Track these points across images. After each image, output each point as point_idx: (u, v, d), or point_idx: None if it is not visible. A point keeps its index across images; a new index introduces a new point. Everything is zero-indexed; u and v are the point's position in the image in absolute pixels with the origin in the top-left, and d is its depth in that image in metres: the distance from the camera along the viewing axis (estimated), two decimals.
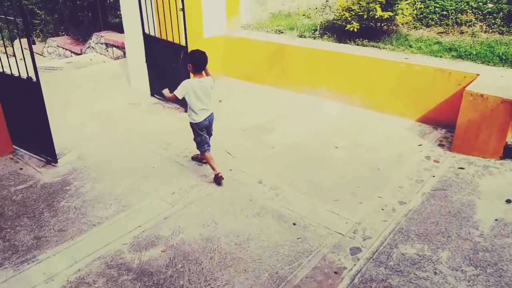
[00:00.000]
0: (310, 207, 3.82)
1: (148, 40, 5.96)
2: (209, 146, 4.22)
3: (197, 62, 4.01)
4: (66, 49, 12.06)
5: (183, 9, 5.16)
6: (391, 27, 6.45)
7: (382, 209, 3.77)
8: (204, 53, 4.06)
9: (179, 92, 3.96)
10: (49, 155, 4.51)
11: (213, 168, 4.17)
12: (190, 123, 4.15)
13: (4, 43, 4.39)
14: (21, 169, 4.44)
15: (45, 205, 3.85)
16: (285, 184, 4.17)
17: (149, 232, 3.49)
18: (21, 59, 4.27)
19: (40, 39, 13.79)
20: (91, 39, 11.14)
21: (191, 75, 4.15)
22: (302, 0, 8.68)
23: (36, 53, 13.58)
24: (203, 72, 4.07)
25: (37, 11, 12.88)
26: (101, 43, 10.39)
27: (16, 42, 12.26)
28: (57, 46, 12.41)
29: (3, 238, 3.42)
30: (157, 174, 4.38)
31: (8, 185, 4.15)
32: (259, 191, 4.06)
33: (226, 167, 4.46)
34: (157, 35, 5.86)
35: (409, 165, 4.49)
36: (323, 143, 4.98)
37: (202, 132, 4.14)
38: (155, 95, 6.37)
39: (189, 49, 6.00)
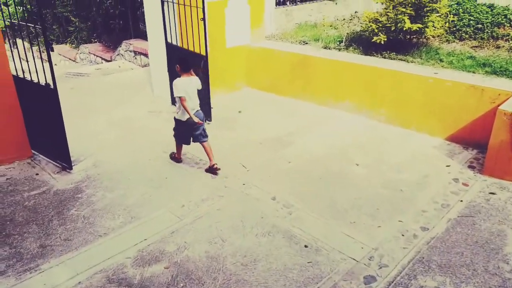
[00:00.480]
0: (324, 228, 3.61)
1: (170, 49, 5.95)
2: (190, 141, 4.52)
3: (184, 63, 4.34)
4: (97, 56, 12.38)
5: (204, 19, 5.11)
6: (420, 40, 6.16)
7: (402, 235, 3.51)
8: (188, 56, 4.56)
9: (180, 93, 4.20)
10: (64, 162, 4.52)
11: (178, 152, 4.66)
12: (174, 118, 4.45)
13: (24, 48, 4.45)
14: (37, 174, 4.47)
15: (55, 212, 3.83)
16: (300, 202, 3.97)
17: (154, 247, 3.38)
18: (46, 61, 4.30)
19: (74, 45, 14.26)
20: (120, 46, 11.37)
21: (180, 74, 4.39)
22: (329, 11, 8.51)
23: (69, 59, 14.04)
24: (191, 72, 4.37)
25: (72, 18, 13.33)
26: (130, 51, 10.58)
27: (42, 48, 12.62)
28: (89, 52, 12.77)
29: (10, 245, 3.40)
30: (170, 185, 4.29)
31: (22, 190, 4.17)
32: (271, 208, 3.88)
33: (239, 181, 4.32)
34: (179, 44, 5.83)
35: (435, 187, 4.19)
36: (343, 159, 4.76)
37: (184, 128, 4.40)
38: (175, 104, 6.33)
39: (209, 59, 6.02)
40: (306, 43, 6.77)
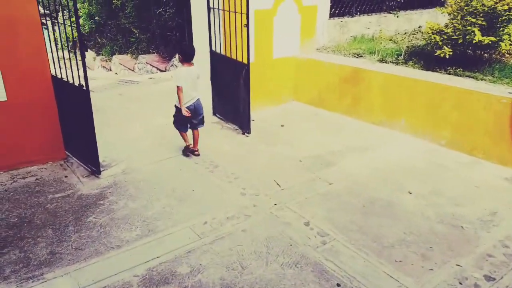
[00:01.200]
0: (363, 265, 3.05)
1: (214, 57, 5.73)
2: (187, 128, 4.71)
3: (185, 53, 4.49)
4: (153, 66, 12.69)
5: (247, 26, 4.81)
6: (493, 55, 5.39)
7: (460, 283, 2.86)
8: (191, 45, 4.97)
9: (180, 82, 4.40)
10: (93, 166, 4.38)
11: (185, 140, 4.78)
12: (175, 105, 4.64)
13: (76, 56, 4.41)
14: (66, 177, 4.37)
15: (74, 218, 3.64)
16: (337, 231, 3.44)
17: (165, 266, 3.03)
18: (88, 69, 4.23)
19: (134, 56, 14.83)
20: (175, 57, 11.53)
21: (183, 64, 4.54)
22: (389, 25, 7.91)
23: (129, 68, 14.58)
24: (191, 63, 4.52)
25: (133, 29, 13.86)
26: None
27: (121, 57, 13.21)
28: (146, 62, 13.14)
29: (21, 248, 3.24)
30: (195, 198, 3.96)
31: (48, 192, 4.06)
32: (303, 235, 3.39)
33: (271, 200, 3.89)
34: (222, 53, 5.59)
35: (505, 227, 3.46)
36: (394, 186, 4.15)
37: (182, 115, 4.53)
38: (216, 114, 6.09)
39: (254, 69, 5.71)
40: (360, 56, 6.25)
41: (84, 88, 3.97)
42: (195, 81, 4.51)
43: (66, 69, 4.37)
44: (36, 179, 4.31)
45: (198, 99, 4.60)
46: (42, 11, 4.42)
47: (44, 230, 3.47)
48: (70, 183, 4.24)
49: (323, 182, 4.25)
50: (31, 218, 3.63)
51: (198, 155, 4.78)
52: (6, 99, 4.18)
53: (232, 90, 5.44)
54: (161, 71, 12.15)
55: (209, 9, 5.53)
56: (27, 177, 4.33)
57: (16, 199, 3.93)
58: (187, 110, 4.49)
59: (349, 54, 6.38)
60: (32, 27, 4.11)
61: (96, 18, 16.91)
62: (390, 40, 7.15)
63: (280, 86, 6.48)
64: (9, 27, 3.99)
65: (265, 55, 6.09)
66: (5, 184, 4.19)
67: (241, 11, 4.86)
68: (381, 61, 5.95)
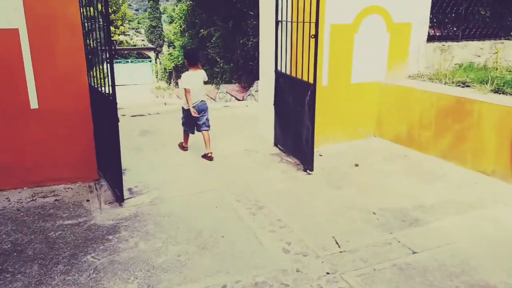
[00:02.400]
0: None
1: (278, 77, 4.88)
2: (194, 130, 4.91)
3: (191, 57, 4.80)
4: (232, 95, 12.39)
5: (315, 36, 3.89)
6: None
7: None
8: (196, 49, 5.43)
9: (188, 85, 4.60)
10: (118, 191, 3.71)
11: (185, 141, 5.07)
12: (182, 107, 4.89)
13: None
14: (87, 201, 3.77)
15: (70, 253, 2.93)
16: None
17: None
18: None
19: (217, 86, 14.84)
20: (252, 86, 11.07)
21: (189, 68, 4.75)
22: (507, 53, 6.34)
23: (211, 98, 14.56)
24: (198, 66, 4.78)
25: (217, 59, 13.89)
26: (257, 90, 10.09)
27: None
28: (226, 92, 12.92)
29: None
30: (221, 249, 3.01)
31: (60, 217, 3.46)
32: None
33: (322, 266, 2.76)
34: (288, 73, 4.72)
35: None
36: (509, 268, 2.73)
37: (189, 117, 4.78)
38: (278, 145, 5.16)
39: (328, 94, 4.78)
40: (467, 86, 4.88)
41: (111, 97, 3.37)
42: (201, 84, 4.74)
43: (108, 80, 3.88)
44: (56, 199, 3.77)
45: (202, 101, 4.80)
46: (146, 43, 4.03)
47: (30, 265, 2.80)
48: (88, 209, 3.61)
49: (403, 249, 2.99)
50: (24, 247, 3.01)
51: (212, 158, 4.76)
52: (37, 107, 3.78)
53: (295, 116, 4.50)
54: (238, 100, 11.76)
55: (277, 22, 4.76)
56: (47, 197, 3.82)
57: (22, 221, 3.38)
58: (195, 110, 4.65)
59: (451, 82, 5.04)
60: (72, 29, 3.71)
61: (187, 47, 17.56)
62: (508, 71, 5.61)
63: (359, 116, 5.35)
64: (47, 27, 3.63)
65: (342, 79, 5.07)
66: (22, 202, 3.71)
67: (309, 21, 3.97)
68: (496, 91, 4.53)
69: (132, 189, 4.02)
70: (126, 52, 37.55)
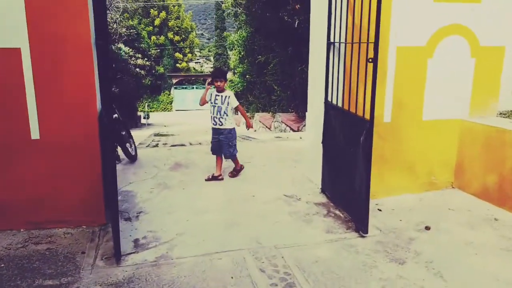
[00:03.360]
0: None
1: (328, 110, 4.00)
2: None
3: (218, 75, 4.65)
4: (287, 125, 11.62)
5: (373, 60, 2.98)
6: None
7: None
8: (220, 68, 5.40)
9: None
10: (116, 245, 3.02)
11: (237, 162, 4.94)
12: (234, 128, 4.78)
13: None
14: (82, 253, 3.12)
15: None
16: None
17: None
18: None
19: (273, 114, 14.18)
20: None
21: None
22: None
23: (266, 127, 13.91)
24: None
25: (274, 87, 13.26)
26: None
27: None
28: (281, 121, 12.19)
29: None
30: None
31: (42, 274, 2.83)
32: None
33: None
34: (340, 105, 3.82)
35: None
36: None
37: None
38: (325, 192, 4.22)
39: (390, 133, 3.80)
40: None
41: (107, 125, 2.73)
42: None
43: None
44: (48, 248, 3.18)
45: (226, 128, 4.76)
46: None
47: None
48: (79, 266, 2.95)
49: None
50: None
51: (222, 179, 4.74)
52: (39, 137, 3.28)
53: (347, 158, 3.57)
54: (294, 130, 10.93)
55: (328, 44, 3.92)
56: (40, 243, 3.25)
57: None
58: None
59: None
60: (82, 51, 3.19)
61: (247, 76, 17.28)
62: None
63: (432, 161, 4.25)
64: (53, 48, 3.15)
65: (410, 114, 4.05)
66: (10, 249, 3.16)
67: (367, 41, 3.09)
68: None
69: (139, 240, 3.32)
70: (193, 78, 38.90)
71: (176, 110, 38.00)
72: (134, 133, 6.69)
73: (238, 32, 15.58)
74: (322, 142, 4.16)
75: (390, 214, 3.78)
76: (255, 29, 12.85)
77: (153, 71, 30.71)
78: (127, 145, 5.30)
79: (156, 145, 7.29)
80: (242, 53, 15.12)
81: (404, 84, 3.96)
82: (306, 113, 5.01)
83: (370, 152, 3.19)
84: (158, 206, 3.95)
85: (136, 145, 5.75)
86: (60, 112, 3.27)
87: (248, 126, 4.94)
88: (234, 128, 4.78)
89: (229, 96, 4.66)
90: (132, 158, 5.31)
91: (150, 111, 34.30)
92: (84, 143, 3.35)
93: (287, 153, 6.04)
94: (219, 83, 4.59)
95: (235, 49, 16.58)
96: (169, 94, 38.31)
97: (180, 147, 6.56)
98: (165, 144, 7.12)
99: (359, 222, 3.45)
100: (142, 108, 30.18)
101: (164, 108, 38.19)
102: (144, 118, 28.02)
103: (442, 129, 4.17)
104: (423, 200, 4.13)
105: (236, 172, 4.91)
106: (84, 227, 3.52)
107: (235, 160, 4.89)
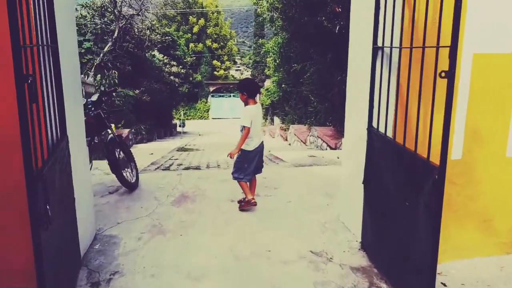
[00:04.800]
0: None
1: (374, 140, 2.92)
2: (251, 176, 3.99)
3: (251, 88, 3.88)
4: (323, 141, 10.50)
5: (449, 74, 1.89)
6: None
7: None
8: (253, 80, 4.27)
9: (248, 121, 3.77)
10: None
11: (246, 193, 3.98)
12: (243, 150, 3.89)
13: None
14: None
15: None
16: None
17: None
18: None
19: (309, 127, 13.09)
20: None
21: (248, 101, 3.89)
22: None
23: (301, 140, 12.83)
24: (256, 99, 3.91)
25: (311, 98, 12.18)
26: None
27: None
28: (318, 136, 11.09)
29: None
30: None
31: None
32: None
33: None
34: (391, 135, 2.73)
35: None
36: None
37: (252, 160, 3.92)
38: (365, 250, 3.13)
39: (463, 175, 2.70)
40: None
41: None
42: (260, 119, 3.95)
43: None
44: None
45: (262, 141, 4.01)
46: None
47: None
48: None
49: None
50: None
51: (255, 204, 3.99)
52: None
53: (399, 212, 2.47)
54: (331, 148, 9.80)
55: (375, 49, 2.86)
56: None
57: None
58: (237, 153, 3.85)
59: None
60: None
61: (283, 85, 16.31)
62: None
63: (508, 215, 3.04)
64: None
65: (489, 147, 2.88)
66: None
67: (437, 44, 2.01)
68: None
69: None
70: (231, 86, 38.53)
71: (213, 118, 37.75)
72: (164, 143, 5.92)
73: (274, 39, 14.65)
74: (364, 182, 3.08)
75: (462, 287, 2.64)
76: (291, 35, 11.86)
77: (190, 79, 30.53)
78: (126, 170, 4.48)
79: (168, 168, 6.43)
80: (277, 61, 14.17)
81: (482, 106, 2.81)
82: (343, 139, 3.92)
83: (440, 210, 2.09)
84: (142, 263, 3.02)
85: (138, 169, 4.92)
86: None
87: (230, 154, 3.81)
88: (243, 150, 3.90)
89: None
90: (131, 187, 4.46)
91: (187, 119, 34.18)
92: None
93: (320, 183, 4.97)
94: (240, 96, 3.91)
95: (269, 57, 15.67)
96: (206, 102, 38.15)
97: (192, 172, 5.66)
98: (179, 165, 6.27)
99: None
100: (179, 116, 30.04)
101: (201, 116, 38.04)
102: (180, 126, 27.79)
103: None
104: (505, 269, 2.93)
105: (241, 204, 4.04)
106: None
107: (241, 186, 4.00)
